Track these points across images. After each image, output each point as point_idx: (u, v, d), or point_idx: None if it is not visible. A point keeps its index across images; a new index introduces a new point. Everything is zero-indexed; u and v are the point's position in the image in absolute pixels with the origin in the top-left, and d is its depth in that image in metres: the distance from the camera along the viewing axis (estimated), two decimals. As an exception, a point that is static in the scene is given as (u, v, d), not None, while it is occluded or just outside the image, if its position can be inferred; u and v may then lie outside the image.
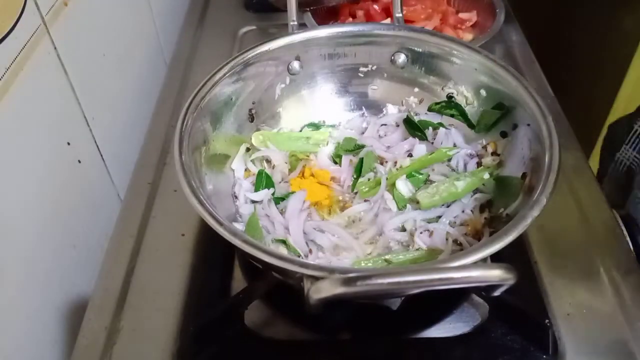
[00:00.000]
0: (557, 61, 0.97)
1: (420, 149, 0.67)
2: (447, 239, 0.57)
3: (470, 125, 0.67)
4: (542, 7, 1.27)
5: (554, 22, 1.28)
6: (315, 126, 0.71)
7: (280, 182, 0.65)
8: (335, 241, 0.58)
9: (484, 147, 0.65)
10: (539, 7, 1.25)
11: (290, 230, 0.58)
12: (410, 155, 0.66)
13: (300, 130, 0.71)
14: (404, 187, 0.62)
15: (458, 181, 0.61)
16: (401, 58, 0.69)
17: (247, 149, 0.66)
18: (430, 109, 0.70)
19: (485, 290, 0.47)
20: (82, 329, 0.56)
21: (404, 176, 0.63)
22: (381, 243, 0.58)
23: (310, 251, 0.57)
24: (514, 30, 0.93)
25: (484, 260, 0.44)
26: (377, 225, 0.60)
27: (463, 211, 0.60)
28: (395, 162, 0.66)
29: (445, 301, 0.57)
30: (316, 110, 0.72)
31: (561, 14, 1.26)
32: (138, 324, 0.56)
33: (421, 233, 0.57)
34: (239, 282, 0.59)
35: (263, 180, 0.63)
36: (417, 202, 0.60)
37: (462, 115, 0.68)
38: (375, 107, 0.72)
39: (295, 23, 0.68)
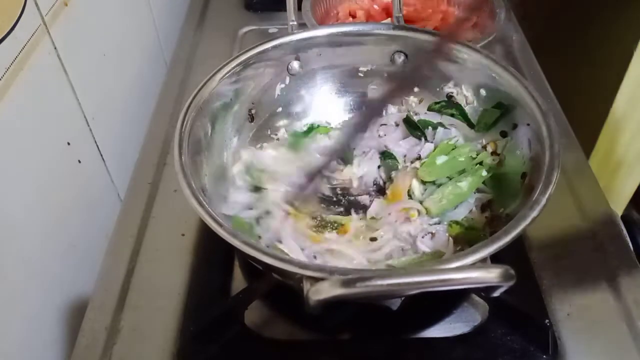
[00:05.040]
0: (557, 61, 0.97)
1: (428, 147, 0.66)
2: (448, 239, 0.57)
3: (470, 124, 0.67)
4: (542, 7, 1.27)
5: (554, 22, 1.28)
6: (316, 127, 0.71)
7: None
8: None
9: (484, 147, 0.65)
10: (539, 7, 1.24)
11: (287, 250, 0.57)
12: (419, 158, 0.66)
13: (300, 131, 0.70)
14: (417, 190, 0.62)
15: (461, 182, 0.61)
16: (401, 58, 0.69)
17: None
18: (430, 109, 0.70)
19: (485, 291, 0.47)
20: (82, 329, 0.56)
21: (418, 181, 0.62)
22: (384, 250, 0.57)
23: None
24: (514, 30, 0.93)
25: (483, 260, 0.44)
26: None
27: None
28: (405, 156, 0.66)
29: (445, 301, 0.57)
30: (316, 110, 0.72)
31: (561, 14, 1.26)
32: (138, 324, 0.56)
33: (423, 237, 0.57)
34: (239, 282, 0.59)
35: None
36: (426, 210, 0.60)
37: (462, 114, 0.68)
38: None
39: (295, 23, 0.68)
